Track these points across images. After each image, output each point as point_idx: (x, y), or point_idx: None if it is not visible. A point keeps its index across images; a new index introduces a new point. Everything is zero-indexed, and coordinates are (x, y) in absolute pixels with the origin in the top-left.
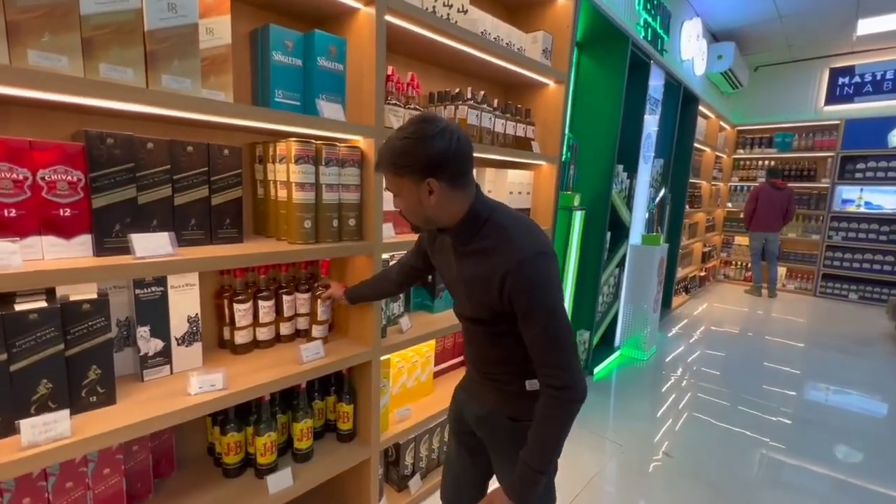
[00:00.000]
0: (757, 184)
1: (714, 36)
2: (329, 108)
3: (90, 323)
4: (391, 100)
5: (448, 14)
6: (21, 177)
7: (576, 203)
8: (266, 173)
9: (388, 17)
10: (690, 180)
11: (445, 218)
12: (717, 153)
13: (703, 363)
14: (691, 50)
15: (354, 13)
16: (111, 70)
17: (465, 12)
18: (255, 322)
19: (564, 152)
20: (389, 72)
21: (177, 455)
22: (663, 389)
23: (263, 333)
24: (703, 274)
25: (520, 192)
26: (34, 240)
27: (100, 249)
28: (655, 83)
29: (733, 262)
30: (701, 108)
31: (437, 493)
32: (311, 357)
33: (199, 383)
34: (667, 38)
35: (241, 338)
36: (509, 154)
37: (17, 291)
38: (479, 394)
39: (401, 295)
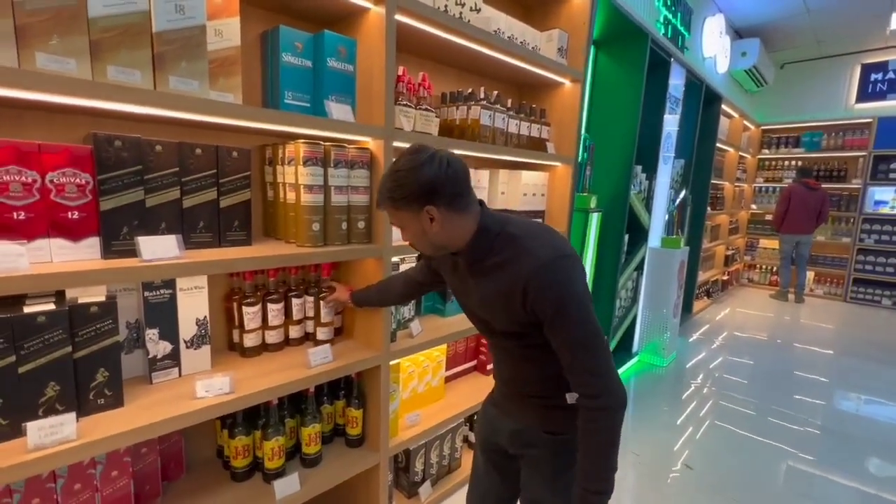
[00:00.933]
0: (784, 185)
1: (738, 32)
2: (338, 110)
3: (98, 325)
4: (402, 100)
5: (461, 13)
6: (30, 179)
7: (592, 205)
8: (276, 175)
9: (399, 17)
10: (712, 181)
11: (454, 242)
12: (741, 153)
13: (725, 370)
14: (713, 47)
15: (365, 13)
16: (119, 72)
17: (478, 11)
18: (265, 325)
19: (581, 153)
20: (400, 72)
21: (186, 458)
22: (683, 397)
23: (272, 336)
24: (725, 278)
25: (534, 194)
26: (43, 242)
27: (107, 252)
28: (676, 81)
29: (758, 266)
30: (724, 107)
31: (448, 501)
32: (320, 361)
33: (205, 387)
34: (688, 35)
35: (249, 341)
36: (523, 155)
37: (28, 293)
38: (512, 410)
39: None
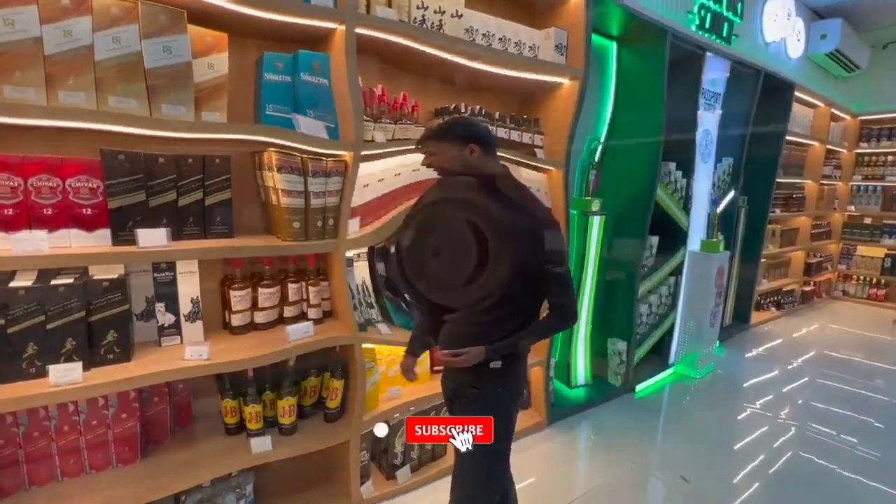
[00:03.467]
0: (887, 183)
1: (817, 13)
2: (306, 123)
3: (109, 297)
4: (383, 118)
5: (441, 20)
6: (54, 184)
7: (594, 208)
8: (265, 179)
9: (361, 30)
10: (787, 180)
11: (483, 169)
12: (831, 147)
13: (796, 393)
14: (779, 30)
15: (333, 32)
16: (118, 101)
17: (460, 17)
18: (254, 307)
19: (585, 157)
20: (380, 91)
21: (195, 412)
22: (714, 414)
23: (261, 317)
24: (809, 289)
25: (538, 189)
26: (64, 232)
27: (116, 240)
28: (714, 76)
29: (854, 277)
30: (803, 95)
31: (424, 489)
32: (300, 336)
33: (190, 352)
34: (738, 20)
35: (237, 321)
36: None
37: (62, 270)
38: (453, 373)
39: (374, 304)
